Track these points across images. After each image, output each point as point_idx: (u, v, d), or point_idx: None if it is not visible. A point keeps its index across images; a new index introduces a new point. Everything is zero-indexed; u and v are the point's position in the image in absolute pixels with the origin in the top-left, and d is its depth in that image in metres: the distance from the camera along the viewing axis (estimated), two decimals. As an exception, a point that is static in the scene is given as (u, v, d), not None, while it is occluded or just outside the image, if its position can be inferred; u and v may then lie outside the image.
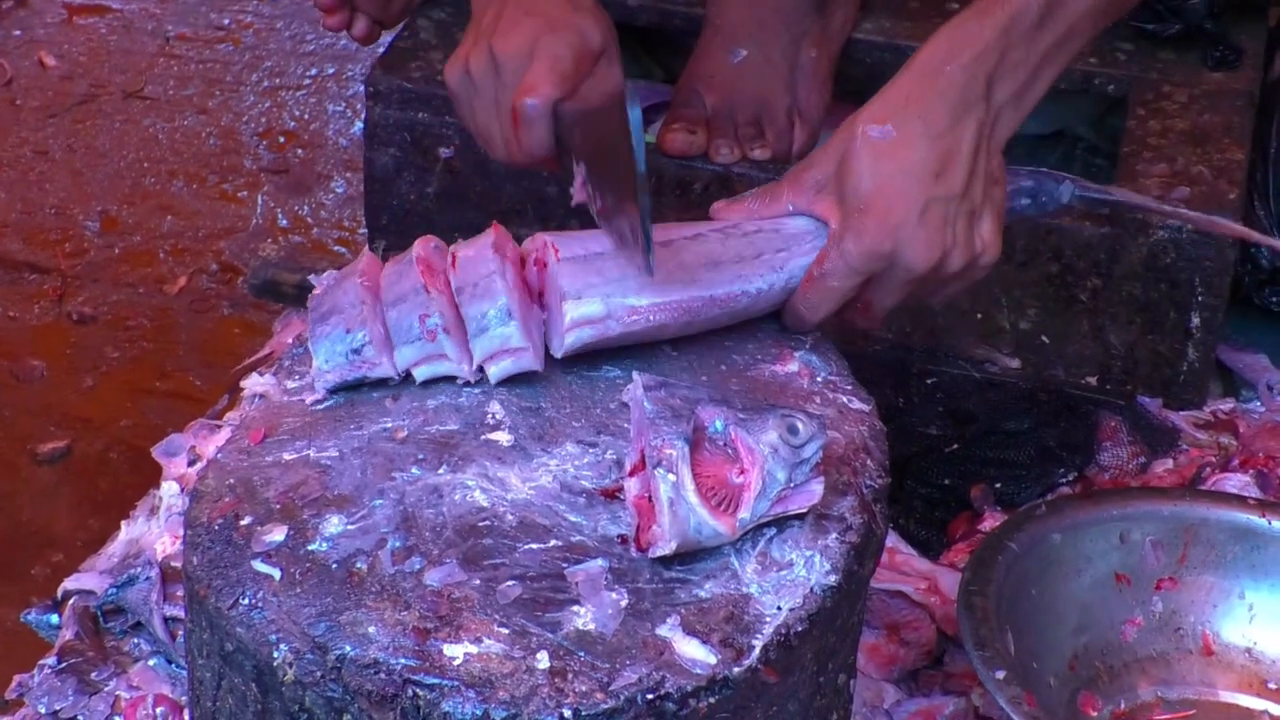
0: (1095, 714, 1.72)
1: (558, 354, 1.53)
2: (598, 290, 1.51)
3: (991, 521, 1.90)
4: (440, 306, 1.50)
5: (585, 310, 1.50)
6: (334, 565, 1.36)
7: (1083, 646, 1.73)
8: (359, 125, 2.99)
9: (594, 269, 1.51)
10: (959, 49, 1.58)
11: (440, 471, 1.44)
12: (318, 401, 1.52)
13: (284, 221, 2.85)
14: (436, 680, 1.28)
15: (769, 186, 1.62)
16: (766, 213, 1.61)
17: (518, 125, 1.67)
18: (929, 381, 2.07)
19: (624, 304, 1.51)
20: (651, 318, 1.53)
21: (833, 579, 1.39)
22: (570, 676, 1.29)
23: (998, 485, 1.97)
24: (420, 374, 1.52)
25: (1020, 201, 1.70)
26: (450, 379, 1.53)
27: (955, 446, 2.01)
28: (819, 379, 1.58)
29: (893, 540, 1.87)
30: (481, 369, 1.52)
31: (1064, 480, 1.97)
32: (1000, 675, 1.57)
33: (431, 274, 1.52)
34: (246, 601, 1.34)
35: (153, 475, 2.02)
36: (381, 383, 1.53)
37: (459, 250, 1.54)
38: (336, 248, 2.80)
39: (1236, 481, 1.94)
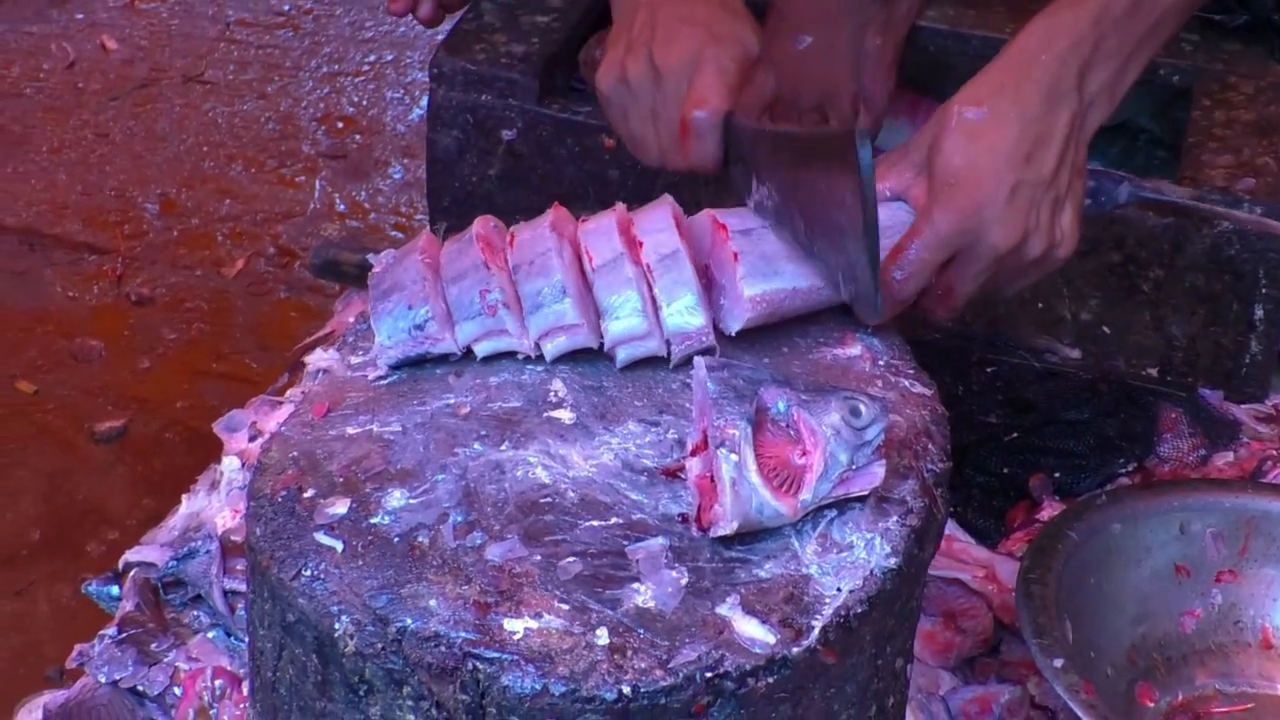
0: (1152, 705, 1.71)
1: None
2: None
3: (1050, 511, 1.90)
4: (500, 282, 1.50)
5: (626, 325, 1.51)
6: (396, 539, 1.36)
7: (1141, 637, 1.72)
8: (417, 112, 3.01)
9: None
10: (1054, 39, 1.60)
11: (502, 448, 1.45)
12: (380, 377, 1.52)
13: (341, 206, 2.87)
14: (496, 654, 1.28)
15: None
16: None
17: (687, 137, 1.70)
18: (989, 370, 2.07)
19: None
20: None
21: (893, 561, 1.38)
22: (629, 653, 1.29)
23: (1056, 475, 1.96)
24: (481, 349, 1.52)
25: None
26: (512, 357, 1.53)
27: (1014, 435, 2.01)
28: (881, 362, 1.57)
29: (951, 528, 1.87)
30: (539, 345, 1.52)
31: (1123, 471, 1.96)
32: (1058, 663, 1.57)
33: (491, 251, 1.53)
34: (309, 573, 1.34)
35: (208, 456, 2.03)
36: (443, 360, 1.53)
37: (518, 230, 1.55)
38: (393, 233, 2.81)
39: (1297, 476, 1.93)
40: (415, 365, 1.53)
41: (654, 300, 1.51)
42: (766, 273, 1.53)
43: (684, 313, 1.51)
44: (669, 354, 1.53)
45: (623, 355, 1.52)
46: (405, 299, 1.52)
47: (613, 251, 1.52)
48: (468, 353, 1.53)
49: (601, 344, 1.53)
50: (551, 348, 1.52)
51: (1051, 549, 1.67)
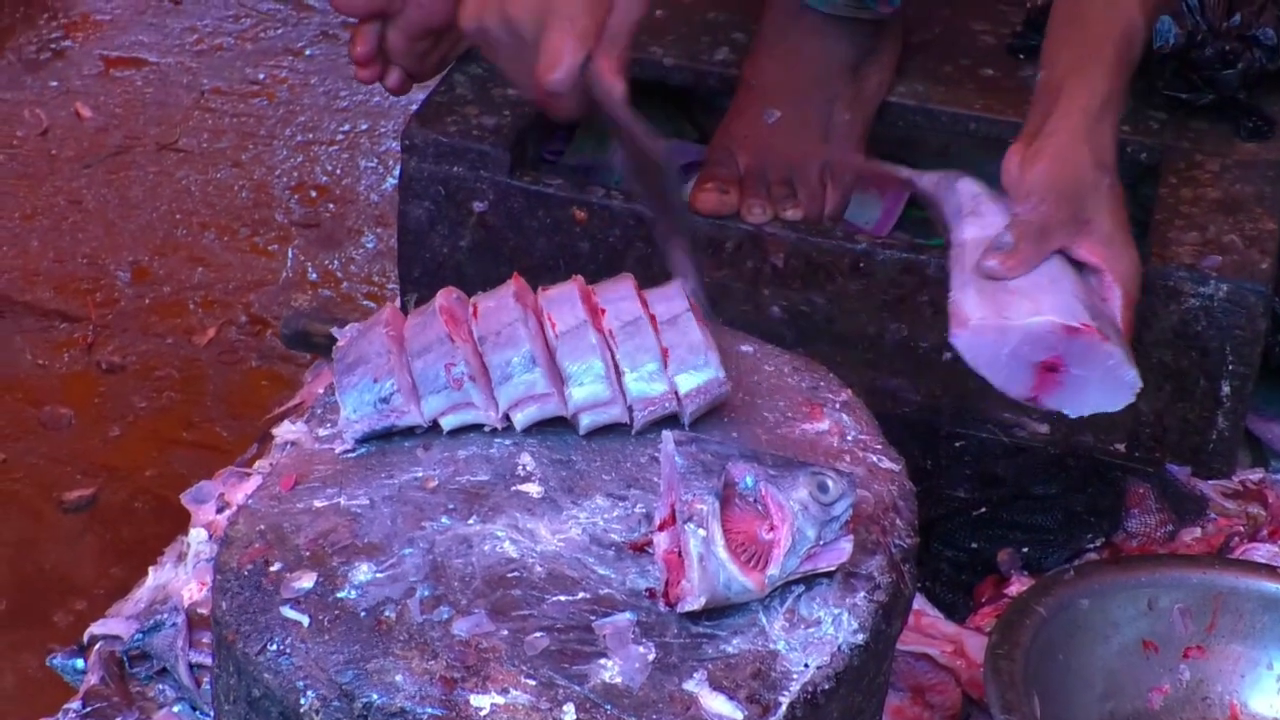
0: (1121, 781, 1.71)
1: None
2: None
3: (1018, 586, 1.90)
4: (465, 355, 1.50)
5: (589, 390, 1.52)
6: (362, 613, 1.36)
7: (1109, 713, 1.72)
8: (390, 181, 3.01)
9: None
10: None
11: (470, 522, 1.44)
12: (348, 450, 1.52)
13: (314, 275, 2.86)
14: (462, 730, 1.28)
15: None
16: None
17: (544, 98, 1.66)
18: (957, 445, 2.07)
19: None
20: None
21: (860, 638, 1.38)
22: (596, 729, 1.29)
23: (1025, 550, 1.96)
24: (448, 423, 1.52)
25: None
26: (481, 429, 1.53)
27: (983, 510, 2.01)
28: (849, 438, 1.58)
29: (919, 603, 1.87)
30: (508, 417, 1.52)
31: (1091, 546, 1.97)
32: (1026, 739, 1.56)
33: (455, 323, 1.53)
34: (274, 647, 1.34)
35: (176, 525, 2.02)
36: (411, 432, 1.53)
37: (480, 301, 1.55)
38: (365, 302, 2.81)
39: (1265, 551, 1.93)
40: (383, 438, 1.53)
41: (616, 367, 1.52)
42: (697, 364, 1.53)
43: (647, 379, 1.51)
44: (631, 420, 1.53)
45: (586, 422, 1.53)
46: (370, 372, 1.52)
47: (576, 319, 1.52)
48: (435, 425, 1.53)
49: (571, 412, 1.53)
50: (522, 417, 1.52)
51: (1019, 624, 1.67)
